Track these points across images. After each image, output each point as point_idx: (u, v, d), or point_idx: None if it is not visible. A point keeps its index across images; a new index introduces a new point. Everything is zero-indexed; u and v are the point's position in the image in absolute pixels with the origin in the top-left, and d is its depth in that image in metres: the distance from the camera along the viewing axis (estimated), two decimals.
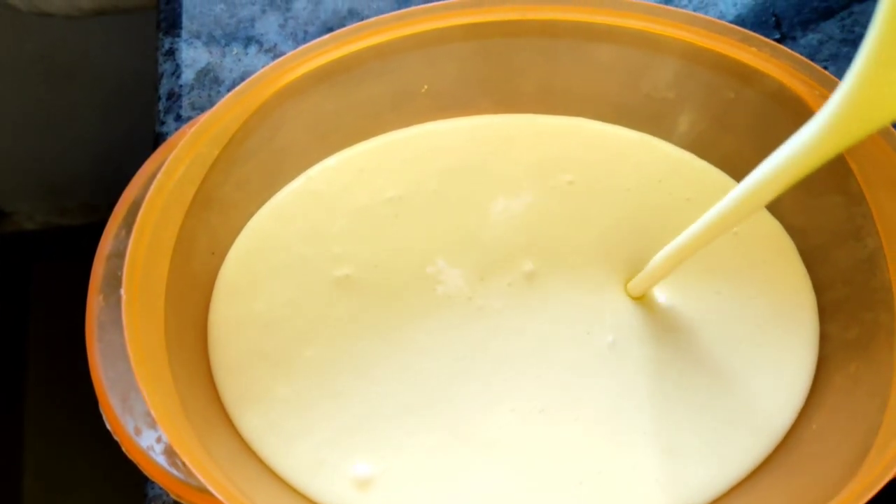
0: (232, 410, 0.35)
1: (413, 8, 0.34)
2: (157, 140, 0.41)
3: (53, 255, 1.05)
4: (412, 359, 0.36)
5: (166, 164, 0.29)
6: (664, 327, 0.36)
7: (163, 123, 0.41)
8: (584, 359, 0.36)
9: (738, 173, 0.39)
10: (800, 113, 0.34)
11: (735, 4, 0.45)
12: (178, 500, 0.28)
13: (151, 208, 0.29)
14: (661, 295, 0.37)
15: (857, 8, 0.45)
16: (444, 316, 0.36)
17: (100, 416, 0.30)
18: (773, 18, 0.45)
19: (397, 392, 0.35)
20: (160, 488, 0.37)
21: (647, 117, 0.39)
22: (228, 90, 0.42)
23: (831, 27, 0.44)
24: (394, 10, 0.38)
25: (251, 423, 0.34)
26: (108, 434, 0.29)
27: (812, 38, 0.44)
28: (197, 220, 0.34)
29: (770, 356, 0.36)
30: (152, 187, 0.29)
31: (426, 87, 0.37)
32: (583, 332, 0.36)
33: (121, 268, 0.30)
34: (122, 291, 0.27)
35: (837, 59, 0.43)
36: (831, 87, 0.33)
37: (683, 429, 0.35)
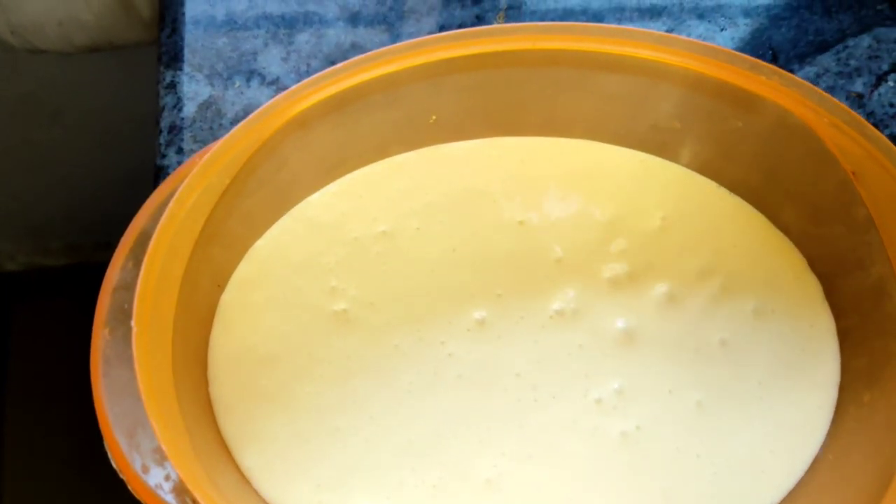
0: (232, 447, 0.34)
1: (422, 38, 0.34)
2: (157, 173, 0.41)
3: (36, 295, 1.03)
4: (407, 397, 0.35)
5: (178, 192, 0.28)
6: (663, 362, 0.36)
7: (164, 156, 0.41)
8: (576, 412, 0.35)
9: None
10: (808, 142, 0.34)
11: (732, 39, 0.46)
12: None
13: (163, 237, 0.28)
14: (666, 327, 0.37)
15: (851, 42, 0.45)
16: (434, 358, 0.36)
17: (98, 454, 0.29)
18: (770, 52, 0.45)
19: (395, 429, 0.34)
20: None
21: (654, 147, 0.39)
22: (231, 123, 0.41)
23: (827, 60, 0.45)
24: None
25: (250, 461, 0.34)
26: (100, 475, 0.28)
27: (809, 70, 0.45)
28: (203, 253, 0.33)
29: (790, 388, 0.35)
30: (164, 216, 0.28)
31: (434, 117, 0.37)
32: (581, 389, 0.35)
33: (128, 301, 0.29)
34: (133, 324, 0.27)
35: (834, 90, 0.44)
36: (841, 116, 0.33)
37: (687, 468, 0.34)
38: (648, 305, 0.37)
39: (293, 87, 0.32)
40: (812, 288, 0.37)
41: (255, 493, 0.33)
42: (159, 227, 0.27)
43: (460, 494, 0.33)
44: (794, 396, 0.36)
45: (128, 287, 0.29)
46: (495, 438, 0.34)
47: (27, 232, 1.01)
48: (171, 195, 0.29)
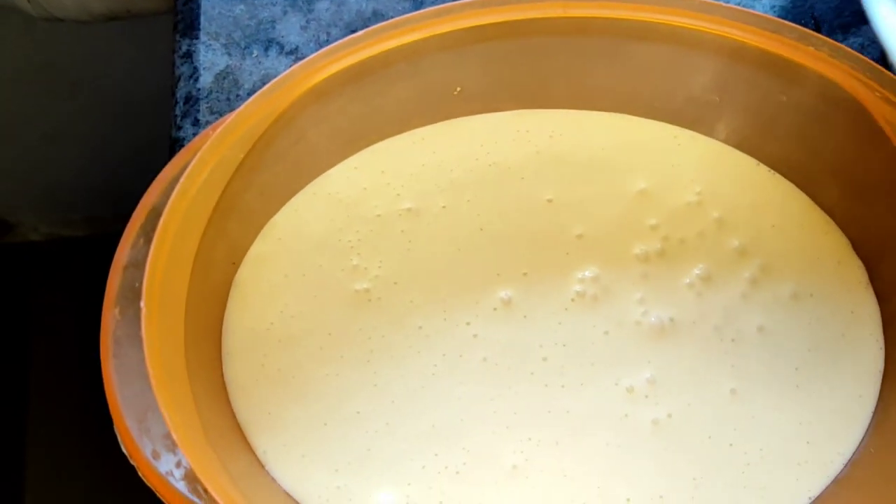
0: (246, 431, 0.33)
1: (445, 5, 0.32)
2: (173, 146, 0.40)
3: (58, 266, 1.03)
4: (430, 380, 0.34)
5: (190, 167, 0.27)
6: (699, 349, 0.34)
7: (179, 128, 0.40)
8: (606, 399, 0.34)
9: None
10: (855, 116, 0.32)
11: (772, 7, 0.43)
12: None
13: (174, 214, 0.27)
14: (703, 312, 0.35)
15: None
16: (459, 339, 0.34)
17: (110, 437, 0.28)
18: (812, 21, 0.43)
19: (418, 413, 0.33)
20: None
21: (689, 121, 0.37)
22: (248, 94, 0.40)
23: (873, 31, 0.43)
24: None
25: (265, 445, 0.33)
26: (117, 456, 0.27)
27: (853, 41, 0.42)
28: (217, 229, 0.32)
29: (829, 376, 0.34)
30: (175, 192, 0.27)
31: (459, 88, 0.36)
32: (611, 377, 0.34)
33: (138, 279, 0.28)
34: (142, 304, 0.25)
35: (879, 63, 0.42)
36: (894, 90, 0.31)
37: (719, 458, 0.33)
38: (681, 288, 0.35)
39: (311, 57, 0.31)
40: (855, 271, 0.36)
41: (270, 478, 0.32)
42: (170, 203, 0.26)
43: (485, 480, 0.32)
44: (833, 385, 0.34)
45: (138, 265, 0.28)
46: (522, 424, 0.33)
47: (49, 203, 1.01)
48: (183, 170, 0.27)
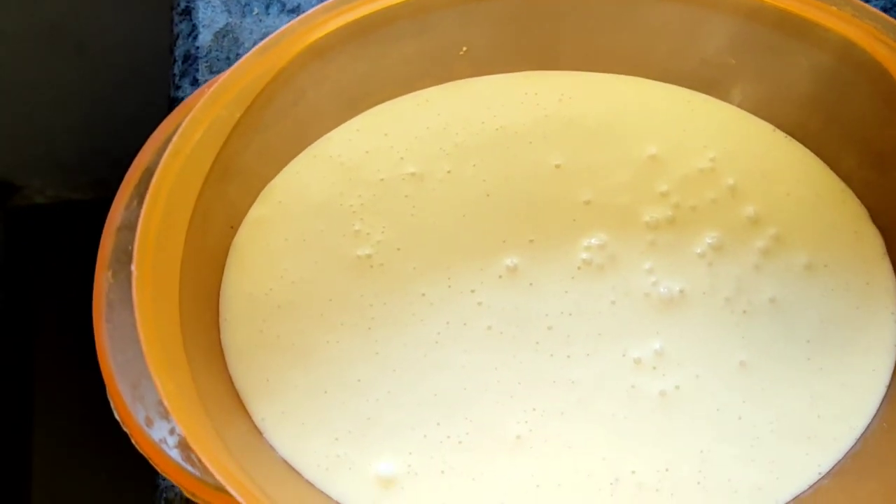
0: (244, 398, 0.32)
1: None
2: (171, 106, 0.39)
3: (64, 229, 1.02)
4: (433, 349, 0.33)
5: (183, 126, 0.26)
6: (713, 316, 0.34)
7: (178, 88, 0.38)
8: (613, 370, 0.33)
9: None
10: (877, 81, 0.31)
11: None
12: (192, 498, 0.25)
13: (166, 174, 0.26)
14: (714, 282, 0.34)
15: None
16: (463, 307, 0.34)
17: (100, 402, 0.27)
18: None
19: (420, 382, 0.33)
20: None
21: (703, 84, 0.36)
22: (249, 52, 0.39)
23: None
24: None
25: (264, 412, 0.32)
26: (108, 418, 0.27)
27: (875, 3, 0.41)
28: (214, 191, 0.31)
29: (842, 349, 0.33)
30: (167, 151, 0.26)
31: (465, 48, 0.34)
32: (619, 349, 0.33)
33: (132, 241, 0.27)
34: (133, 267, 0.25)
35: None
36: None
37: (727, 431, 0.32)
38: (692, 257, 0.34)
39: (311, 11, 0.29)
40: (872, 242, 0.35)
41: (268, 446, 0.31)
42: (162, 163, 0.25)
43: (488, 450, 0.32)
44: (846, 358, 0.33)
45: (132, 227, 0.27)
46: (526, 393, 0.32)
47: (55, 166, 1.00)
48: (178, 128, 0.26)
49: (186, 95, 0.38)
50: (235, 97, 0.28)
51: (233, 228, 0.34)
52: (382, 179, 0.35)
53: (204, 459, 0.23)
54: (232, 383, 0.32)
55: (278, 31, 0.29)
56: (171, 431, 0.25)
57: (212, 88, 0.27)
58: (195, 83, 0.39)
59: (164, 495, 0.35)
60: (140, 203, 0.27)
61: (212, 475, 0.24)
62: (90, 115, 0.90)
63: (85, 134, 0.93)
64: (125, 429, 0.26)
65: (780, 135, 0.36)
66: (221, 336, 0.33)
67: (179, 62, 0.39)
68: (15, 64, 0.81)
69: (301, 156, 0.35)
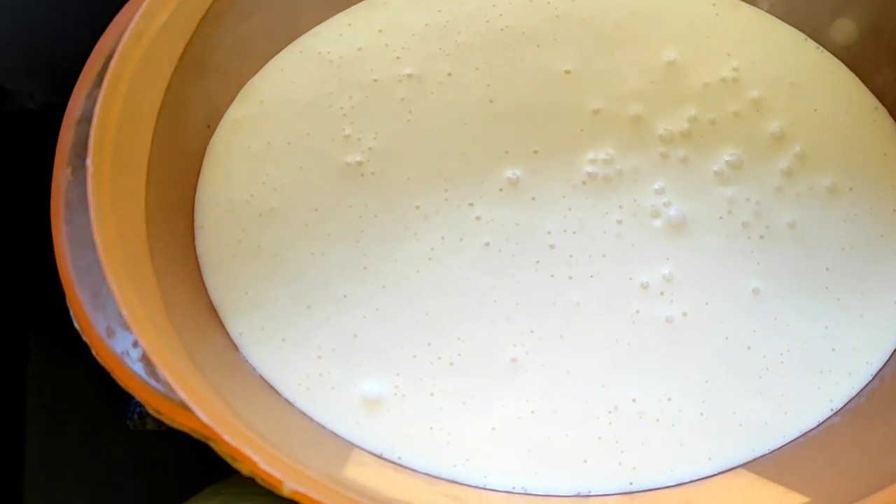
0: (220, 311, 0.30)
1: None
2: None
3: (53, 135, 1.00)
4: (426, 265, 0.31)
5: (145, 4, 0.23)
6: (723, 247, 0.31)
7: None
8: (617, 294, 0.31)
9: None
10: None
11: None
12: (155, 415, 0.23)
13: (127, 57, 0.23)
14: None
15: None
16: (460, 221, 0.31)
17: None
18: None
19: (410, 300, 0.31)
20: None
21: None
22: None
23: None
24: None
25: (241, 327, 0.30)
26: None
27: None
28: (186, 86, 0.28)
29: (862, 278, 0.31)
30: (128, 32, 0.23)
31: None
32: (625, 272, 0.31)
33: None
34: (89, 161, 0.22)
35: None
36: None
37: (735, 361, 0.30)
38: (708, 176, 0.32)
39: None
40: None
41: (245, 363, 0.29)
42: (121, 45, 0.22)
43: (481, 373, 0.30)
44: (866, 288, 0.31)
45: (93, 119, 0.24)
46: (524, 315, 0.30)
47: (45, 71, 0.97)
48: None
49: None
50: None
51: (209, 128, 0.31)
52: (376, 80, 0.32)
53: (165, 373, 0.21)
54: (207, 296, 0.30)
55: None
56: (135, 344, 0.23)
57: None
58: None
59: (139, 409, 0.34)
60: None
61: (175, 391, 0.22)
62: (82, 16, 0.86)
63: (76, 36, 0.89)
64: (84, 339, 0.24)
65: (811, 44, 0.33)
66: (196, 245, 0.30)
67: None
68: None
69: (285, 51, 0.32)
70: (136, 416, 0.34)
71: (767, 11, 0.33)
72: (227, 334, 0.30)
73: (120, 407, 0.35)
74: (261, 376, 0.30)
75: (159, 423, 0.33)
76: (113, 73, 0.22)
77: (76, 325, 0.24)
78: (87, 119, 0.25)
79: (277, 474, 0.21)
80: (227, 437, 0.21)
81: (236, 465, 0.22)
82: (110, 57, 0.25)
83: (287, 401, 0.30)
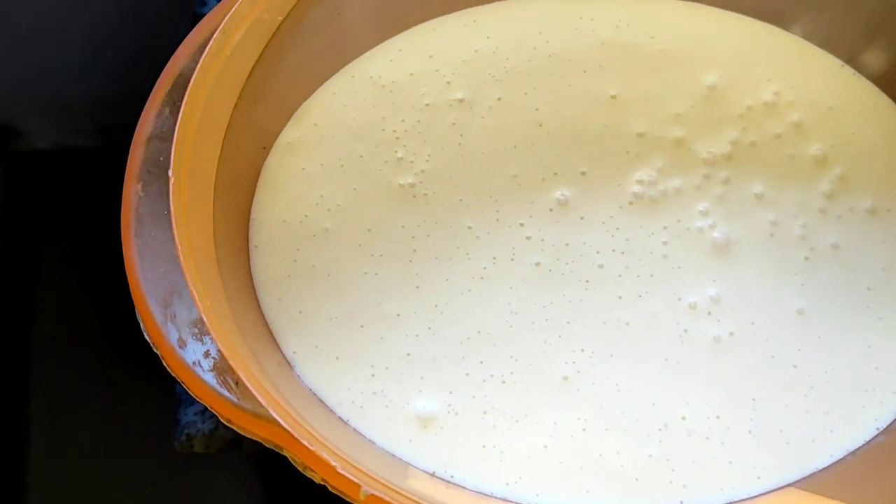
0: (274, 329, 0.30)
1: None
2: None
3: (66, 177, 1.00)
4: (478, 284, 0.31)
5: (224, 22, 0.24)
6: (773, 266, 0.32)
7: (204, 4, 0.36)
8: (665, 314, 0.31)
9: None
10: None
11: None
12: (229, 425, 0.23)
13: (206, 74, 0.24)
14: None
15: None
16: (511, 241, 0.32)
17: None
18: None
19: (463, 318, 0.31)
20: (193, 414, 0.33)
21: (770, 14, 0.34)
22: None
23: None
24: None
25: (295, 345, 0.30)
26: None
27: None
28: (249, 104, 0.29)
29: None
30: (208, 49, 0.24)
31: None
32: (672, 291, 0.31)
33: (163, 152, 0.25)
34: (171, 173, 0.22)
35: None
36: None
37: (781, 379, 0.30)
38: (750, 197, 0.32)
39: None
40: None
41: (299, 381, 0.30)
42: (202, 62, 0.23)
43: (533, 391, 0.30)
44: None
45: (163, 137, 0.25)
46: (575, 334, 0.31)
47: (57, 111, 0.98)
48: (217, 28, 0.24)
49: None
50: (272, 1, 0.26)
51: (265, 150, 0.31)
52: (428, 104, 0.33)
53: (245, 380, 0.21)
54: (261, 314, 0.30)
55: None
56: (206, 354, 0.24)
57: None
58: None
59: (186, 431, 0.34)
60: (173, 112, 0.25)
61: (249, 401, 0.23)
62: (96, 55, 0.87)
63: (89, 75, 0.90)
64: (156, 350, 0.24)
65: (849, 70, 0.34)
66: (251, 264, 0.31)
67: None
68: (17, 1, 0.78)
69: (337, 75, 0.33)
70: (183, 438, 0.34)
71: (804, 38, 0.34)
72: (281, 352, 0.30)
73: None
74: (314, 394, 0.30)
75: (206, 444, 0.33)
76: (193, 89, 0.23)
77: (146, 336, 0.24)
78: (156, 136, 0.25)
79: (355, 479, 0.21)
80: (305, 443, 0.21)
81: (308, 474, 0.22)
82: (180, 76, 0.25)
83: (340, 419, 0.30)
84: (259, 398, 0.21)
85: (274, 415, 0.21)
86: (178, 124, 0.22)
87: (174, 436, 0.35)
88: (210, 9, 0.36)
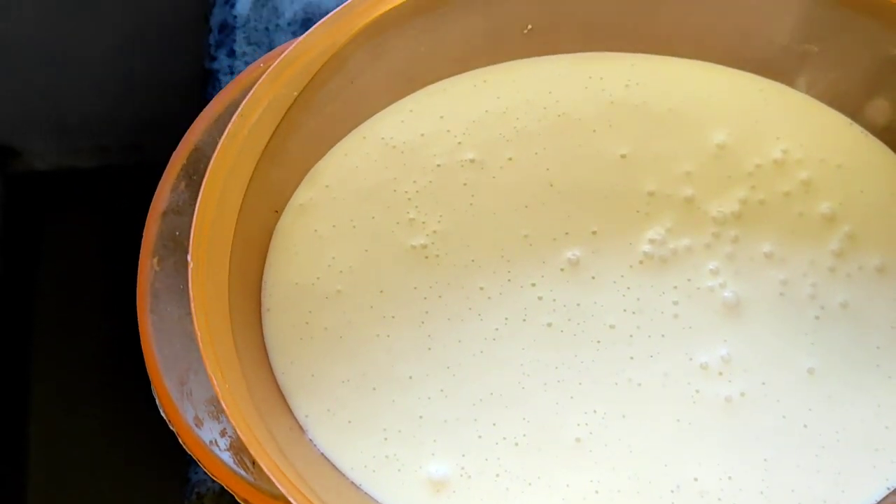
0: (287, 393, 0.30)
1: None
2: (206, 79, 0.36)
3: (66, 197, 1.00)
4: (490, 345, 0.31)
5: (243, 104, 0.24)
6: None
7: (214, 59, 0.36)
8: (677, 374, 0.31)
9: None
10: None
11: None
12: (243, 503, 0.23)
13: (225, 156, 0.24)
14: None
15: None
16: (523, 302, 0.32)
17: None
18: None
19: (475, 380, 0.31)
20: (203, 472, 0.33)
21: (778, 72, 0.34)
22: (289, 24, 0.37)
23: None
24: None
25: (308, 409, 0.30)
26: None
27: None
28: (263, 173, 0.29)
29: None
30: (227, 132, 0.24)
31: (530, 26, 0.32)
32: (683, 352, 0.32)
33: (178, 227, 0.25)
34: (189, 258, 0.23)
35: None
36: None
37: (793, 439, 0.31)
38: (759, 256, 0.32)
39: None
40: None
41: (311, 445, 0.30)
42: (221, 144, 0.23)
43: (546, 453, 0.30)
44: None
45: (179, 211, 0.25)
46: (587, 394, 0.31)
47: (56, 131, 0.97)
48: (230, 107, 0.24)
49: (222, 67, 0.36)
50: (296, 74, 0.26)
51: (277, 213, 0.31)
52: (439, 165, 0.33)
53: (266, 469, 0.21)
54: (274, 377, 0.30)
55: (340, 7, 0.27)
56: (223, 433, 0.24)
57: (273, 65, 0.25)
58: (232, 55, 0.36)
59: (196, 490, 0.33)
60: (188, 185, 0.25)
61: (265, 480, 0.23)
62: (95, 78, 0.87)
63: (88, 97, 0.90)
64: (172, 428, 0.24)
65: (857, 128, 0.34)
66: (263, 328, 0.31)
67: (215, 32, 0.37)
68: (19, 20, 0.78)
69: (348, 137, 0.33)
70: (193, 497, 0.34)
71: (813, 96, 0.34)
72: (293, 415, 0.30)
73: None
74: (326, 458, 0.30)
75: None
76: (212, 171, 0.23)
77: (163, 413, 0.24)
78: (172, 211, 0.26)
79: None
80: None
81: None
82: (196, 150, 0.26)
83: (353, 483, 0.30)
84: (280, 486, 0.21)
85: (289, 497, 0.21)
86: (196, 211, 0.22)
87: (184, 494, 0.35)
88: (219, 63, 0.36)
